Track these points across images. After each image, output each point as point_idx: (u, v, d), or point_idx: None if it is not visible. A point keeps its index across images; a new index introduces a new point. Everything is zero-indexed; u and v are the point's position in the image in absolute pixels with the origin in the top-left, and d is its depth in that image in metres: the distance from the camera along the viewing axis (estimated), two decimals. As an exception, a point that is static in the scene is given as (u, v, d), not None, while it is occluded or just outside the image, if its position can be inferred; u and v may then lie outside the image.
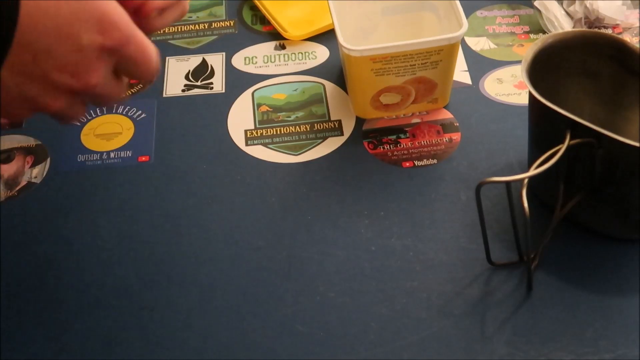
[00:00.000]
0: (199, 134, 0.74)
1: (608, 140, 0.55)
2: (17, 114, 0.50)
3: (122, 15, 0.48)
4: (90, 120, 0.76)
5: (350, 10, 0.75)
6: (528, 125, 0.65)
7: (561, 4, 0.80)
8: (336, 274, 0.61)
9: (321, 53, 0.81)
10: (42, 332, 0.59)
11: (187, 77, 0.80)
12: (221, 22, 0.86)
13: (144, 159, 0.72)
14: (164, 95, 0.78)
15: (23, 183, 0.70)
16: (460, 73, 0.77)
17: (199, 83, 0.79)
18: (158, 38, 0.84)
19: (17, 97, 0.47)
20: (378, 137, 0.72)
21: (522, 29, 0.82)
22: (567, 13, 0.79)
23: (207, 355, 0.57)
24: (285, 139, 0.73)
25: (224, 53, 0.82)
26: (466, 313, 0.58)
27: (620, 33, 0.80)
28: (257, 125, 0.74)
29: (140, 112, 0.76)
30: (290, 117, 0.75)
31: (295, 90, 0.78)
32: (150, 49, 0.51)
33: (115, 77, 0.51)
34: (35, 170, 0.71)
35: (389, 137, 0.72)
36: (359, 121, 0.74)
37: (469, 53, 0.80)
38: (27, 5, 0.44)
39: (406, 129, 0.73)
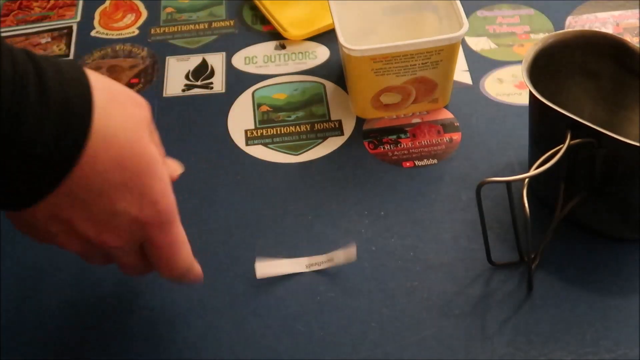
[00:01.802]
0: (199, 134, 0.74)
1: (608, 140, 0.55)
2: (31, 236, 0.50)
3: (166, 198, 0.48)
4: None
5: (351, 10, 0.74)
6: (528, 125, 0.65)
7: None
8: (336, 274, 0.61)
9: (321, 53, 0.81)
10: (42, 332, 0.59)
11: (187, 77, 0.80)
12: (221, 22, 0.86)
13: (144, 158, 0.72)
14: (164, 95, 0.78)
15: (23, 183, 0.70)
16: (461, 73, 0.77)
17: (199, 83, 0.79)
18: (158, 38, 0.84)
19: (39, 227, 0.48)
20: (378, 137, 0.72)
21: (522, 29, 0.82)
22: None
23: (206, 355, 0.57)
24: (286, 138, 0.73)
25: (224, 53, 0.82)
26: (466, 313, 0.58)
27: (620, 33, 0.80)
28: (257, 125, 0.74)
29: (140, 112, 0.76)
30: (290, 117, 0.75)
31: (295, 90, 0.77)
32: (178, 247, 0.50)
33: (142, 255, 0.51)
34: (35, 170, 0.71)
35: (389, 137, 0.72)
36: (359, 121, 0.74)
37: (470, 53, 0.80)
38: (85, 162, 0.44)
39: (406, 129, 0.73)
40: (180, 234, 0.50)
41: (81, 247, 0.49)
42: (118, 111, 0.46)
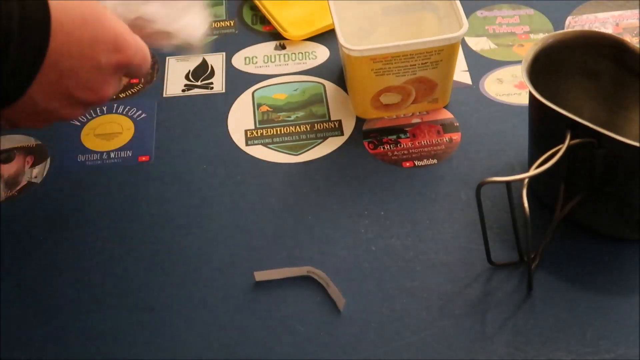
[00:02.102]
0: (199, 134, 0.74)
1: (608, 140, 0.55)
2: (35, 124, 0.55)
3: (130, 33, 0.55)
4: (90, 120, 0.76)
5: (350, 10, 0.75)
6: (528, 125, 0.65)
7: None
8: (336, 274, 0.61)
9: (321, 53, 0.81)
10: (42, 332, 0.59)
11: (187, 77, 0.80)
12: (221, 22, 0.86)
13: (144, 159, 0.72)
14: (164, 95, 0.78)
15: (23, 183, 0.70)
16: (461, 73, 0.77)
17: (199, 83, 0.79)
18: (158, 38, 0.84)
19: (41, 110, 0.53)
20: (378, 137, 0.72)
21: (522, 29, 0.82)
22: None
23: (207, 355, 0.57)
24: (286, 139, 0.73)
25: (224, 53, 0.82)
26: (466, 313, 0.58)
27: (620, 33, 0.80)
28: (257, 125, 0.74)
29: (140, 112, 0.76)
30: (290, 117, 0.75)
31: (295, 90, 0.78)
32: (148, 52, 0.57)
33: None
34: (36, 170, 0.71)
35: (389, 137, 0.72)
36: (359, 121, 0.74)
37: (469, 53, 0.80)
38: (55, 31, 0.49)
39: (406, 129, 0.73)
40: (144, 43, 0.57)
41: (81, 112, 0.55)
42: None
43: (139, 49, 0.56)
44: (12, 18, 0.46)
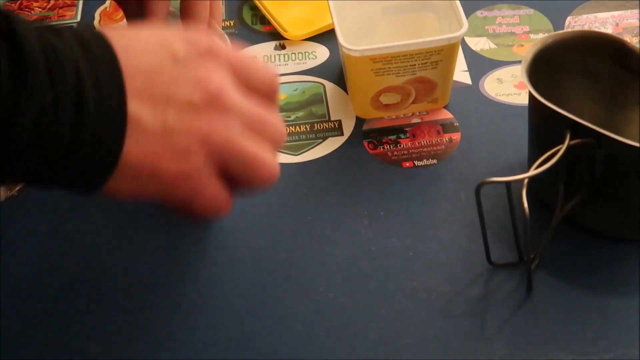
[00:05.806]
0: (199, 134, 0.73)
1: (608, 141, 0.55)
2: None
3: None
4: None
5: (350, 10, 0.75)
6: (528, 126, 0.65)
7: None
8: (336, 274, 0.61)
9: (321, 53, 0.81)
10: (42, 332, 0.59)
11: (187, 77, 0.80)
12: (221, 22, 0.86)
13: (144, 159, 0.72)
14: (164, 95, 0.78)
15: (23, 183, 0.70)
16: (460, 73, 0.77)
17: (199, 83, 0.79)
18: (158, 38, 0.84)
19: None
20: (378, 137, 0.72)
21: (522, 29, 0.82)
22: None
23: (207, 355, 0.57)
24: (285, 139, 0.73)
25: (224, 53, 0.82)
26: (466, 313, 0.58)
27: (619, 33, 0.80)
28: (257, 125, 0.74)
29: (140, 112, 0.76)
30: (290, 117, 0.75)
31: (295, 90, 0.78)
32: (259, 155, 0.48)
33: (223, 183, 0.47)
34: (35, 170, 0.71)
35: (389, 137, 0.72)
36: (359, 121, 0.74)
37: (469, 53, 0.80)
38: (130, 135, 0.43)
39: (406, 129, 0.73)
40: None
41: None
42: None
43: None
44: (88, 111, 0.42)
